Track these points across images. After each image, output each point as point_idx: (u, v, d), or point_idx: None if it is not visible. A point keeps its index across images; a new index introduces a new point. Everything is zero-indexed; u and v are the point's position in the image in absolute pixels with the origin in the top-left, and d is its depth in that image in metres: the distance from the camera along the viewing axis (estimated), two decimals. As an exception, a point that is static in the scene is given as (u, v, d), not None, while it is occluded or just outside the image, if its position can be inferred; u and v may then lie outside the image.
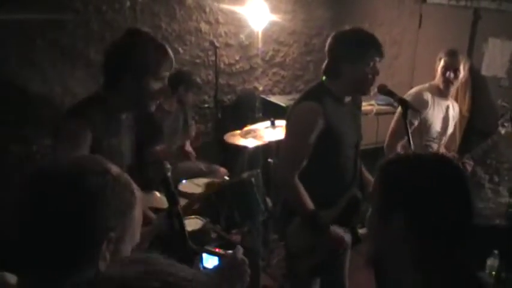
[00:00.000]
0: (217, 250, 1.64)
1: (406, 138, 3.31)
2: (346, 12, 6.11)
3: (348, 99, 2.88)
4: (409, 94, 3.73)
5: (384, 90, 2.84)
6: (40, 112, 4.39)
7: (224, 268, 1.58)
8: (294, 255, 2.98)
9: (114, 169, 1.26)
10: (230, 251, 1.64)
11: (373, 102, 5.40)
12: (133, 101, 2.37)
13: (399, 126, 3.52)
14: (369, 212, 1.54)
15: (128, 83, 2.29)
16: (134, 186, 1.30)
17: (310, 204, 2.73)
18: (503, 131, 3.88)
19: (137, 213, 1.31)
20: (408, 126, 2.81)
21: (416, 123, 3.59)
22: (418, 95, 3.68)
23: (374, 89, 2.82)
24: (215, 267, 1.63)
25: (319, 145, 2.75)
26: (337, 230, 2.79)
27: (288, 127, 2.91)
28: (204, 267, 1.60)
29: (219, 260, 1.57)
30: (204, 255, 1.61)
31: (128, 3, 5.02)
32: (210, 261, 1.63)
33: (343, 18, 5.99)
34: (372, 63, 2.71)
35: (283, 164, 2.86)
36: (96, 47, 4.91)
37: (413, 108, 2.83)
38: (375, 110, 5.32)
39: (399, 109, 3.62)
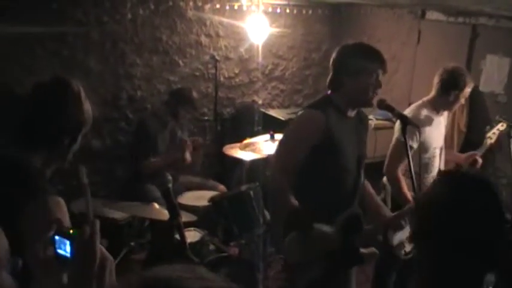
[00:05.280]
0: (70, 231, 1.28)
1: (405, 160, 3.35)
2: (345, 27, 6.16)
3: (351, 113, 2.87)
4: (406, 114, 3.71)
5: (382, 105, 2.84)
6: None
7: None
8: (291, 268, 2.96)
9: None
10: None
11: (371, 116, 5.42)
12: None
13: (397, 148, 3.52)
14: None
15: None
16: None
17: (294, 201, 2.66)
18: (488, 143, 3.93)
19: None
20: (408, 146, 2.80)
21: (415, 146, 3.55)
22: (416, 116, 3.66)
23: (373, 103, 2.83)
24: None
25: (319, 157, 2.73)
26: (324, 228, 2.68)
27: (286, 131, 2.91)
28: (58, 253, 1.34)
29: (71, 244, 1.26)
30: (57, 237, 1.34)
31: (129, 16, 5.06)
32: (63, 246, 1.35)
33: (342, 33, 6.05)
34: (374, 76, 2.73)
35: (275, 166, 2.84)
36: (96, 57, 4.95)
37: (412, 124, 2.83)
38: (373, 125, 5.33)
39: (396, 135, 3.63)
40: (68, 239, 1.28)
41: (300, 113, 2.92)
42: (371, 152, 5.06)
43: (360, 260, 2.83)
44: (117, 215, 4.04)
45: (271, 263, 4.36)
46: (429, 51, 5.70)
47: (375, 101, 2.81)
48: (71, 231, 1.28)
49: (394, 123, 4.20)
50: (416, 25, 6.01)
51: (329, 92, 2.87)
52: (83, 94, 2.09)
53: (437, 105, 3.73)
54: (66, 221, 1.84)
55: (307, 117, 2.82)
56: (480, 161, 4.00)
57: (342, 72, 2.77)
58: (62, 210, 1.89)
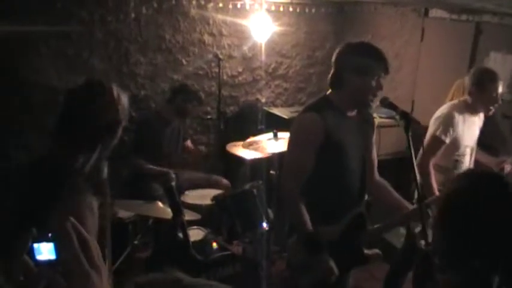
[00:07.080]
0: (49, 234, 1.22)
1: (437, 154, 3.62)
2: (349, 25, 6.15)
3: (352, 113, 2.87)
4: (441, 112, 3.76)
5: (385, 103, 2.83)
6: (43, 120, 4.40)
7: None
8: (294, 268, 2.96)
9: None
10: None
11: (375, 115, 5.40)
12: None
13: (431, 143, 3.69)
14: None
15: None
16: None
17: (308, 223, 2.68)
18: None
19: None
20: (411, 143, 2.80)
21: (447, 141, 3.66)
22: (450, 114, 3.71)
23: (376, 102, 2.82)
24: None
25: (321, 158, 2.73)
26: (329, 259, 2.67)
27: (290, 139, 2.91)
28: (39, 260, 1.29)
29: (55, 246, 1.24)
30: (36, 245, 1.29)
31: (133, 15, 5.07)
32: (44, 250, 1.29)
33: (346, 31, 6.05)
34: (377, 77, 2.72)
35: (286, 177, 2.84)
36: (100, 56, 4.96)
37: (414, 121, 2.82)
38: (376, 123, 5.31)
39: (430, 131, 3.71)
40: (50, 241, 1.26)
41: (297, 117, 2.90)
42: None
43: (363, 261, 2.83)
44: (122, 213, 4.05)
45: (275, 261, 4.37)
46: (433, 49, 5.70)
47: (374, 104, 2.80)
48: (49, 234, 1.28)
49: (397, 121, 4.20)
50: (419, 23, 6.01)
51: (329, 91, 2.88)
52: (120, 93, 2.16)
53: (475, 104, 3.75)
54: (94, 221, 1.88)
55: (304, 123, 2.80)
56: (508, 169, 4.02)
57: (345, 69, 2.75)
58: (92, 211, 1.91)
